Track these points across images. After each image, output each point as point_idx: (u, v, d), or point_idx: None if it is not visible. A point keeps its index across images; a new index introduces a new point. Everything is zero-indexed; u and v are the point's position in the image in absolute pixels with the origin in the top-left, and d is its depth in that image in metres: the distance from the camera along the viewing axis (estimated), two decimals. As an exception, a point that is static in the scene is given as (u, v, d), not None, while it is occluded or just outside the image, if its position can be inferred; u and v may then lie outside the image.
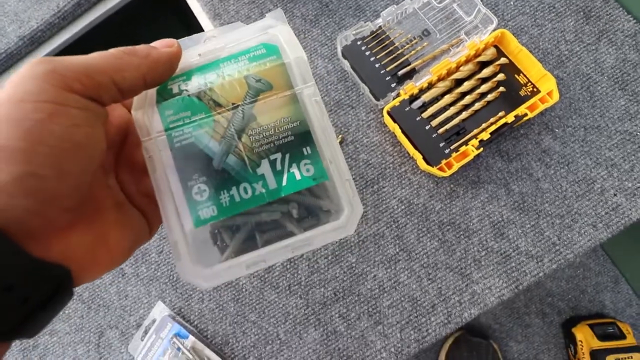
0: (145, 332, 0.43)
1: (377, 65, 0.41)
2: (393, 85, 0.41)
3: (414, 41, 0.43)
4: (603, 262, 0.61)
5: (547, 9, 0.42)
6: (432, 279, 0.38)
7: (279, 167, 0.18)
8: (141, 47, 0.18)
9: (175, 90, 0.20)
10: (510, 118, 0.37)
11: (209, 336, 0.41)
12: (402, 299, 0.38)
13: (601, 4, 0.42)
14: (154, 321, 0.43)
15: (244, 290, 0.42)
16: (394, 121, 0.39)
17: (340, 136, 0.43)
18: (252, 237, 0.19)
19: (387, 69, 0.41)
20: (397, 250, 0.39)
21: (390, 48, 0.42)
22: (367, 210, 0.41)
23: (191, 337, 0.41)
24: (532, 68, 0.39)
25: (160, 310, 0.43)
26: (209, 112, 0.19)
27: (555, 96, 0.37)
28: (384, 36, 0.43)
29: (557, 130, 0.40)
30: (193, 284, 0.19)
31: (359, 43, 0.42)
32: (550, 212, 0.38)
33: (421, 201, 0.40)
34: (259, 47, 0.20)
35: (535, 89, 0.39)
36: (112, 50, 0.17)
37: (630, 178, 0.38)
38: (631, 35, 0.41)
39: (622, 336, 0.54)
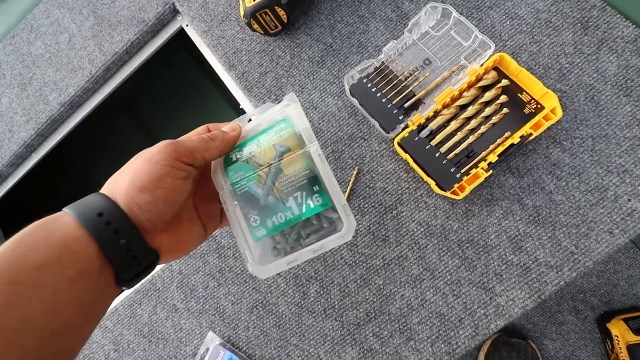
0: (201, 361, 0.48)
1: (383, 100, 0.44)
2: (400, 117, 0.43)
3: (417, 72, 0.45)
4: (634, 254, 0.61)
5: (544, 24, 0.44)
6: (457, 295, 0.41)
7: (299, 200, 0.29)
8: (218, 134, 0.31)
9: (234, 158, 0.32)
10: (516, 139, 0.39)
11: (257, 361, 0.45)
12: (430, 315, 0.41)
13: (598, 13, 0.43)
14: (207, 350, 0.48)
15: (283, 316, 0.46)
16: (405, 151, 0.42)
17: (356, 168, 0.46)
18: (291, 245, 0.30)
19: (394, 102, 0.44)
20: (421, 270, 0.42)
21: (395, 81, 0.45)
22: (389, 234, 0.44)
23: (242, 364, 0.45)
24: (533, 86, 0.41)
25: (211, 339, 0.48)
26: (254, 170, 0.30)
27: (559, 112, 0.39)
28: (387, 71, 0.46)
29: (565, 142, 0.41)
30: (256, 275, 0.29)
31: (364, 81, 0.45)
32: (565, 223, 0.40)
33: (439, 222, 0.43)
34: (280, 122, 0.31)
35: (539, 106, 0.41)
36: (203, 137, 0.30)
37: (643, 182, 0.39)
38: (632, 40, 0.42)
39: (661, 329, 0.54)
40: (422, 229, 0.43)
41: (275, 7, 0.48)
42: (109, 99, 0.67)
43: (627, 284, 0.60)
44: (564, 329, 0.61)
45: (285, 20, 0.50)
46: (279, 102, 0.33)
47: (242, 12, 0.49)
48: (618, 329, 0.56)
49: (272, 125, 0.31)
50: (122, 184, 0.26)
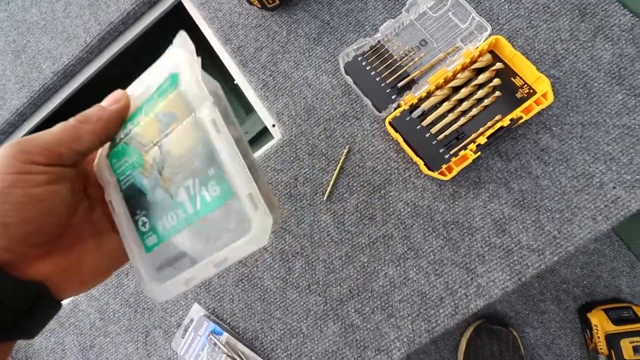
0: (185, 331, 0.48)
1: (377, 79, 0.44)
2: (393, 97, 0.43)
3: (412, 52, 0.45)
4: (618, 247, 0.61)
5: (542, 9, 0.44)
6: (439, 274, 0.41)
7: (192, 192, 0.20)
8: (92, 112, 0.23)
9: (117, 139, 0.23)
10: (506, 122, 0.39)
11: (240, 332, 0.46)
12: (412, 293, 0.41)
13: (596, 0, 0.43)
14: (192, 321, 0.48)
15: (268, 290, 0.46)
16: (396, 131, 0.42)
17: (347, 146, 0.46)
18: (185, 258, 0.21)
19: (388, 82, 0.44)
20: (406, 249, 0.43)
21: (390, 61, 0.45)
22: (376, 213, 0.44)
23: (225, 334, 0.46)
24: (527, 71, 0.41)
25: (196, 311, 0.49)
26: (139, 153, 0.22)
27: (550, 97, 0.39)
28: (382, 50, 0.45)
29: (554, 128, 0.41)
30: (152, 297, 0.22)
31: (359, 59, 0.45)
32: (550, 208, 0.40)
33: (426, 203, 0.43)
34: (166, 79, 0.22)
35: (531, 91, 0.41)
36: (70, 121, 0.22)
37: (630, 171, 0.39)
38: (628, 29, 0.41)
39: (637, 319, 0.55)
40: (409, 209, 0.43)
41: (273, -20, 0.47)
42: (104, 71, 0.66)
43: (609, 276, 0.61)
44: (546, 318, 0.62)
45: (284, -5, 0.49)
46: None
47: (239, -15, 0.49)
48: (598, 319, 0.57)
49: (159, 85, 0.22)
50: None
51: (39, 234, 0.21)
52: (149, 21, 0.62)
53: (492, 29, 0.44)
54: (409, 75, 0.44)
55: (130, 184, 0.22)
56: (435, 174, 0.40)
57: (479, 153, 0.39)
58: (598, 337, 0.57)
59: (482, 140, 0.39)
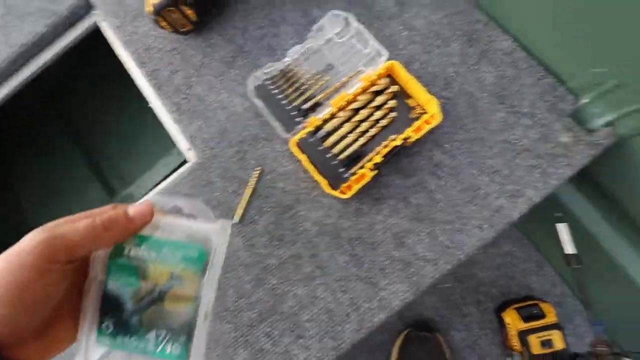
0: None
1: (283, 102, 0.46)
2: (299, 119, 0.45)
3: (318, 76, 0.47)
4: (528, 249, 0.66)
5: (435, 36, 0.47)
6: (345, 290, 0.43)
7: (159, 339, 0.25)
8: (119, 221, 0.24)
9: (125, 251, 0.26)
10: (399, 141, 0.42)
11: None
12: (320, 312, 0.43)
13: (482, 27, 0.47)
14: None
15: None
16: (301, 151, 0.44)
17: (259, 168, 0.47)
18: None
19: (294, 104, 0.46)
20: (314, 267, 0.44)
21: (297, 84, 0.47)
22: (285, 233, 0.45)
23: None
24: (420, 93, 0.44)
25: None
26: (138, 279, 0.25)
27: (438, 117, 0.42)
28: (291, 74, 0.47)
29: (446, 145, 0.44)
30: None
31: (267, 83, 0.46)
32: (443, 219, 0.43)
33: (332, 221, 0.45)
34: (194, 248, 0.26)
35: (423, 111, 0.44)
36: (97, 223, 0.23)
37: (511, 182, 0.43)
38: (508, 53, 0.46)
39: (543, 315, 0.59)
40: (317, 228, 0.45)
41: (181, 6, 0.48)
42: (30, 90, 0.63)
43: (521, 275, 0.66)
44: (468, 320, 0.66)
45: (195, 20, 0.50)
46: (211, 212, 0.28)
47: (148, 9, 0.49)
48: (511, 318, 0.61)
49: (186, 244, 0.26)
50: None
51: (38, 323, 0.22)
52: (65, 44, 0.60)
53: (392, 54, 0.47)
54: (314, 97, 0.46)
55: (116, 292, 0.25)
56: (336, 193, 0.42)
57: (375, 171, 0.41)
58: (512, 335, 0.61)
59: (378, 159, 0.42)
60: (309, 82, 0.47)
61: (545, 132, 0.43)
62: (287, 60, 0.47)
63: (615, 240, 0.52)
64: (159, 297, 0.25)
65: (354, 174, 0.42)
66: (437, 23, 0.47)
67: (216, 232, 0.26)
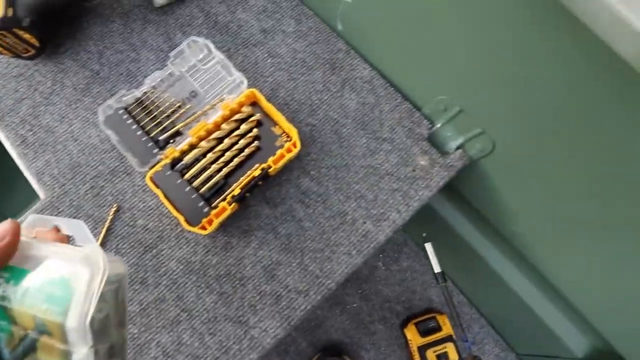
0: None
1: (139, 133, 0.42)
2: (155, 150, 0.42)
3: (179, 104, 0.44)
4: (425, 262, 0.69)
5: (300, 64, 0.48)
6: (213, 333, 0.40)
7: None
8: None
9: None
10: (257, 172, 0.40)
11: None
12: (186, 359, 0.39)
13: (344, 55, 0.48)
14: None
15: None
16: (157, 187, 0.40)
17: (115, 205, 0.43)
18: None
19: (151, 135, 0.43)
20: (179, 311, 0.40)
21: (155, 113, 0.44)
22: (148, 275, 0.41)
23: None
24: (281, 122, 0.43)
25: None
26: (9, 323, 0.21)
27: (298, 145, 0.41)
28: (148, 102, 0.44)
29: (313, 172, 0.44)
30: None
31: (120, 112, 0.43)
32: (312, 248, 0.42)
33: (198, 258, 0.42)
34: (61, 283, 0.20)
35: (288, 139, 0.44)
36: None
37: (375, 206, 0.44)
38: (368, 80, 0.47)
39: (440, 328, 0.61)
40: (182, 267, 0.41)
41: (17, 30, 0.42)
42: None
43: (422, 288, 0.68)
44: (376, 338, 0.66)
45: (38, 44, 0.45)
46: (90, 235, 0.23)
47: (-21, 32, 0.43)
48: (411, 334, 0.62)
49: (51, 280, 0.21)
50: None
51: None
52: None
53: (258, 82, 0.47)
54: (174, 127, 0.43)
55: None
56: (196, 229, 0.39)
57: (235, 204, 0.40)
58: (413, 350, 0.62)
59: (236, 191, 0.40)
60: (169, 111, 0.44)
61: (404, 156, 0.45)
62: (143, 87, 0.44)
63: (482, 243, 0.57)
64: (31, 346, 0.21)
65: (215, 207, 0.40)
66: (301, 51, 0.48)
67: (88, 260, 0.21)
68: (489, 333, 0.69)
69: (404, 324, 0.65)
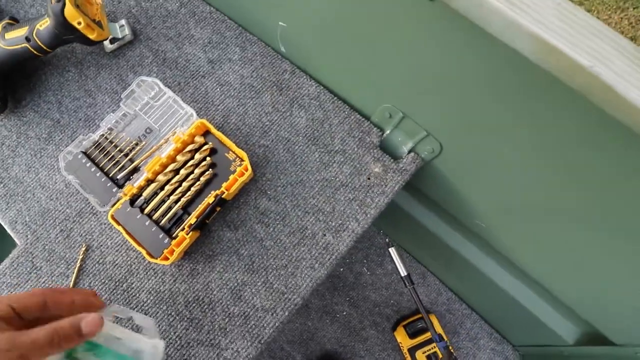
0: None
1: (98, 174, 0.44)
2: (115, 190, 0.44)
3: (135, 142, 0.46)
4: (410, 263, 0.70)
5: (248, 89, 0.49)
6: (187, 359, 0.41)
7: None
8: (71, 333, 0.26)
9: (76, 353, 0.27)
10: (211, 199, 0.42)
11: None
12: (160, 389, 0.40)
13: (289, 76, 0.50)
14: None
15: None
16: (118, 224, 0.42)
17: (84, 245, 0.44)
18: None
19: (110, 175, 0.44)
20: (151, 341, 0.41)
21: (113, 153, 0.46)
22: (120, 310, 0.42)
23: None
24: (232, 147, 0.45)
25: None
26: None
27: (249, 169, 0.43)
28: (106, 143, 0.46)
29: (269, 192, 0.46)
30: None
31: (79, 157, 0.45)
32: (275, 266, 0.43)
33: (167, 287, 0.43)
34: None
35: (241, 162, 0.45)
36: (55, 330, 0.25)
37: (334, 218, 0.45)
38: (315, 97, 0.49)
39: (428, 328, 0.61)
40: (152, 297, 0.43)
41: (-23, 90, 0.45)
42: None
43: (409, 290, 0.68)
44: (369, 344, 0.66)
45: (0, 101, 0.48)
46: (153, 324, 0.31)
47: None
48: (401, 336, 0.63)
49: (123, 355, 0.28)
50: None
51: None
52: None
53: (209, 111, 0.49)
54: (131, 165, 0.45)
55: None
56: (158, 260, 0.40)
57: (193, 233, 0.41)
58: (405, 352, 0.62)
59: (192, 220, 0.41)
60: (126, 149, 0.46)
61: (357, 166, 0.46)
62: (100, 131, 0.46)
63: (457, 240, 0.57)
64: None
65: (175, 237, 0.41)
66: (248, 76, 0.50)
67: (148, 350, 0.28)
68: (482, 328, 0.69)
69: (394, 328, 0.66)
